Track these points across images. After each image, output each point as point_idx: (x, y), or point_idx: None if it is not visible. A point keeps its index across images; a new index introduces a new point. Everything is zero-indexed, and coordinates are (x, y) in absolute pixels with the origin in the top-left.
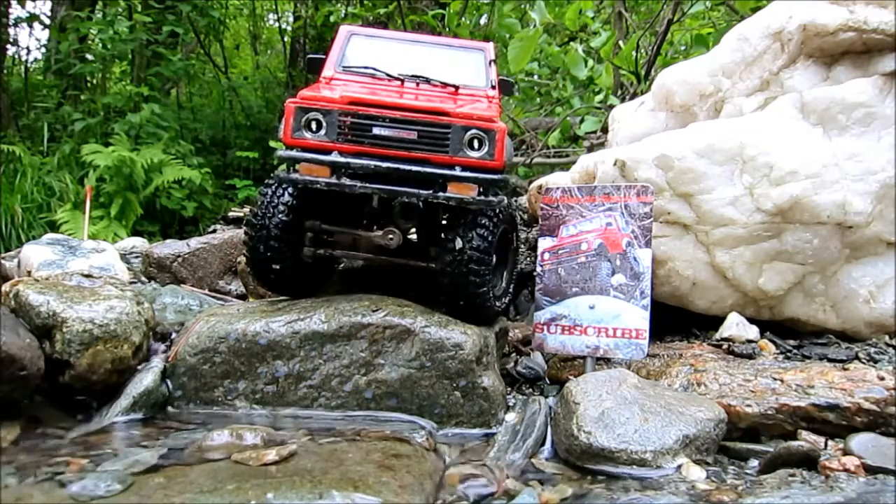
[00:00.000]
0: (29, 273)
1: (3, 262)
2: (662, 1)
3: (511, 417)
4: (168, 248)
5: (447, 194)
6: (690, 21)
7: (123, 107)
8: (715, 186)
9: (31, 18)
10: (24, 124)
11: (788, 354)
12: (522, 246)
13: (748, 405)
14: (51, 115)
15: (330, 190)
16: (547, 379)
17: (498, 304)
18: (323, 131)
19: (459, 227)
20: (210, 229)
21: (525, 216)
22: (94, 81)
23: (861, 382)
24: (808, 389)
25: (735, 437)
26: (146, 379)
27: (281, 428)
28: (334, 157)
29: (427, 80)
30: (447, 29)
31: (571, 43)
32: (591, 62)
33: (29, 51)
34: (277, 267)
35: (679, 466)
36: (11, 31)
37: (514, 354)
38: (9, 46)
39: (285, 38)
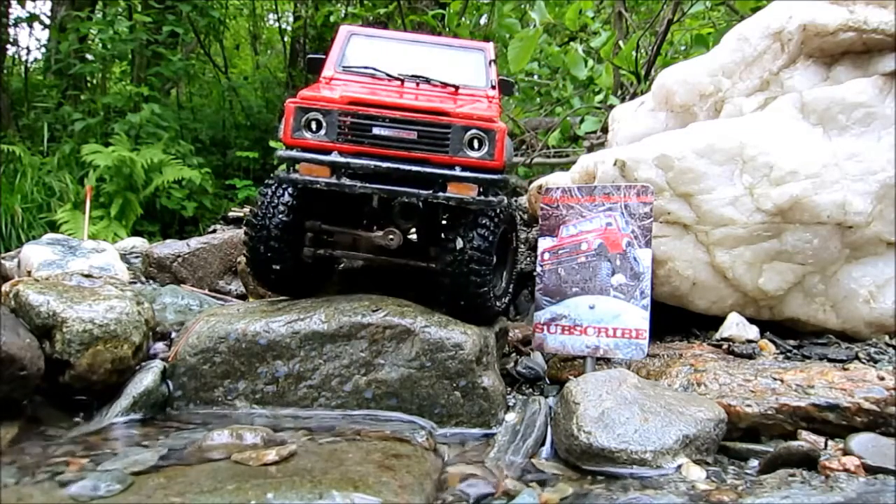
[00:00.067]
0: (29, 273)
1: (3, 262)
2: (662, 1)
3: (511, 417)
4: (168, 248)
5: (447, 194)
6: (690, 21)
7: (123, 107)
8: (715, 186)
9: (31, 18)
10: (24, 124)
11: (788, 354)
12: (522, 246)
13: (748, 405)
14: (51, 115)
15: (330, 190)
16: (547, 379)
17: (498, 304)
18: (323, 131)
19: (460, 227)
20: (210, 229)
21: (525, 216)
22: (94, 81)
23: (861, 382)
24: (808, 389)
25: (735, 437)
26: (146, 379)
27: (281, 428)
28: (334, 157)
29: (427, 80)
30: (447, 29)
31: (571, 43)
32: (591, 62)
33: (29, 51)
34: (277, 267)
35: (679, 466)
36: (11, 31)
37: (514, 354)
38: (9, 46)
39: (285, 38)
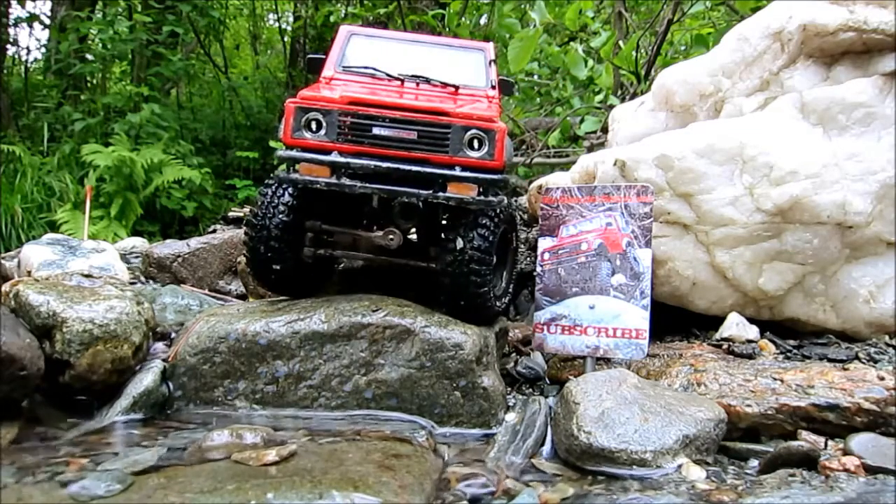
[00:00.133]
0: (29, 273)
1: (3, 262)
2: (662, 1)
3: (511, 417)
4: (168, 248)
5: (447, 194)
6: (690, 21)
7: (123, 107)
8: (715, 186)
9: (31, 18)
10: (24, 124)
11: (788, 354)
12: (522, 246)
13: (748, 405)
14: (51, 115)
15: (330, 190)
16: (547, 379)
17: (498, 304)
18: (323, 131)
19: (460, 226)
20: (210, 229)
21: (525, 216)
22: (94, 81)
23: (861, 382)
24: (808, 389)
25: (735, 437)
26: (146, 379)
27: (281, 428)
28: (334, 157)
29: (427, 80)
30: (447, 29)
31: (571, 43)
32: (591, 62)
33: (29, 51)
34: (278, 267)
35: (679, 466)
36: (11, 31)
37: (514, 354)
38: (9, 46)
39: (285, 38)
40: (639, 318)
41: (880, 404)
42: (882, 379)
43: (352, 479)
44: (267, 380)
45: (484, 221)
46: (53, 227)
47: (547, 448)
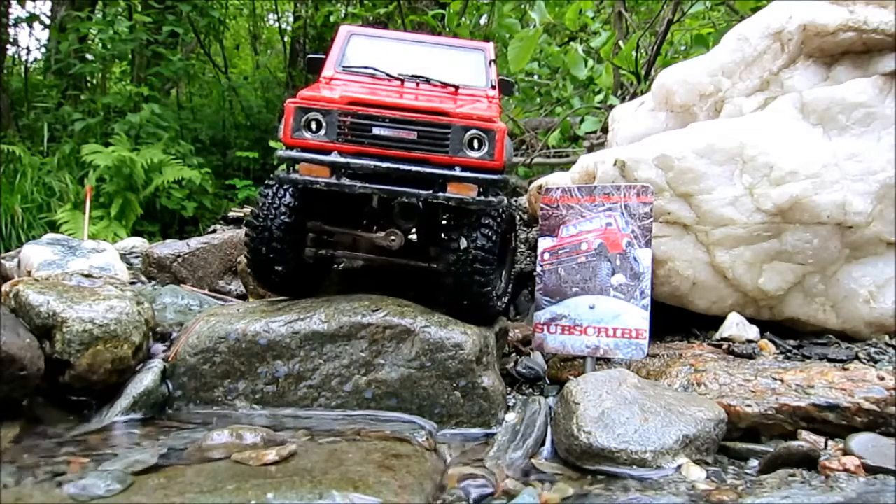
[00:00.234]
0: (29, 273)
1: (3, 262)
2: (662, 1)
3: (511, 417)
4: (168, 248)
5: (447, 194)
6: (690, 21)
7: (123, 107)
8: (715, 186)
9: (31, 18)
10: (24, 124)
11: (788, 354)
12: (522, 246)
13: (748, 405)
14: (51, 115)
15: (330, 190)
16: (547, 379)
17: (499, 303)
18: (323, 131)
19: (463, 226)
20: (210, 229)
21: (525, 216)
22: (94, 81)
23: (861, 382)
24: (808, 389)
25: (735, 437)
26: (146, 379)
27: (281, 428)
28: (334, 157)
29: (427, 81)
30: (447, 29)
31: (571, 43)
32: (591, 62)
33: (29, 51)
34: (279, 268)
35: (679, 466)
36: (11, 31)
37: (514, 354)
38: (9, 46)
39: (285, 38)
40: (639, 318)
41: (880, 404)
42: (882, 379)
43: (352, 479)
44: (267, 380)
45: (487, 221)
46: (53, 227)
47: (547, 448)
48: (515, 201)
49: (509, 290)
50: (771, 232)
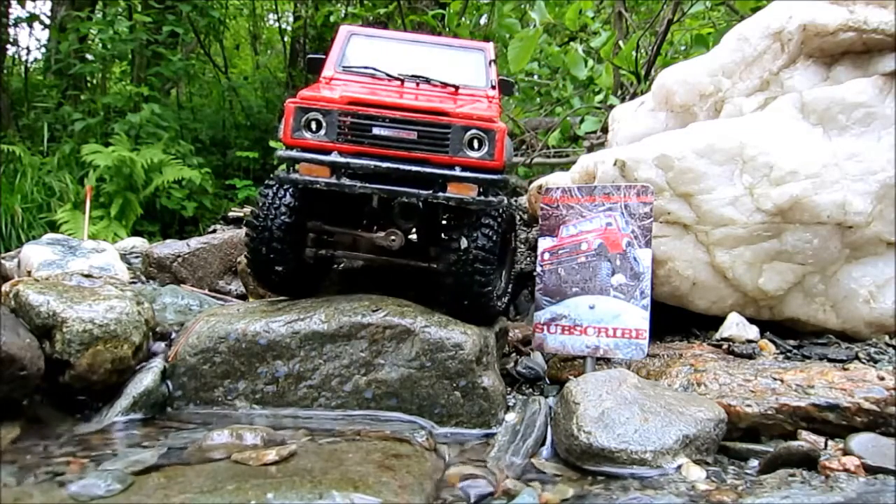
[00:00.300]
0: (29, 273)
1: (3, 262)
2: (662, 1)
3: (511, 417)
4: (168, 248)
5: (447, 194)
6: (690, 21)
7: (123, 107)
8: (715, 186)
9: (31, 18)
10: (24, 124)
11: (788, 354)
12: (522, 246)
13: (748, 405)
14: (51, 115)
15: (330, 190)
16: (547, 379)
17: (499, 303)
18: (323, 131)
19: (464, 226)
20: (210, 229)
21: (525, 216)
22: (94, 81)
23: (861, 382)
24: (808, 389)
25: (735, 437)
26: (146, 379)
27: (281, 428)
28: (334, 157)
29: (427, 81)
30: (447, 29)
31: (571, 43)
32: (591, 62)
33: (29, 51)
34: (280, 268)
35: (679, 466)
36: (11, 31)
37: (514, 354)
38: (9, 46)
39: (285, 38)
40: (639, 318)
41: (880, 404)
42: (882, 379)
43: (352, 479)
44: (267, 380)
45: (487, 221)
46: (53, 227)
47: (547, 448)
48: (515, 201)
49: (509, 290)
50: (771, 232)
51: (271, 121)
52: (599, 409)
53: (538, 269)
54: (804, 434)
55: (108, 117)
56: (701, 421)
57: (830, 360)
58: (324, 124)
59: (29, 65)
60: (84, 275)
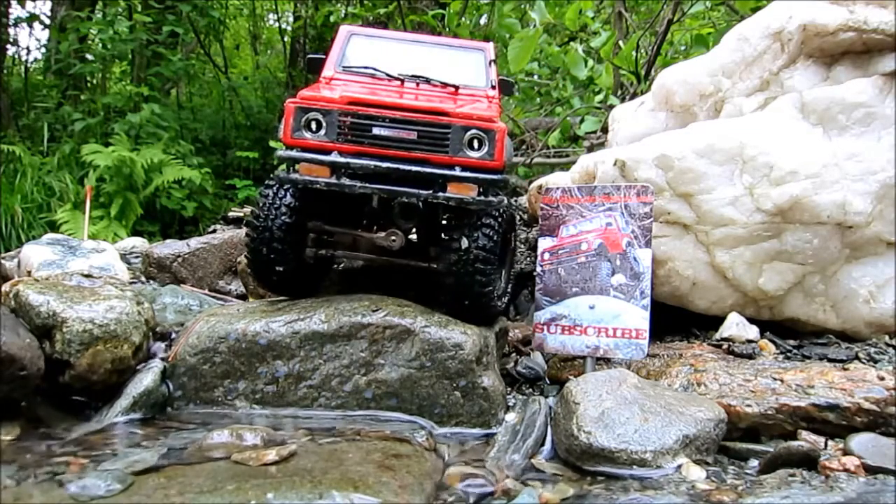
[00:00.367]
0: (29, 273)
1: (3, 262)
2: (662, 1)
3: (511, 417)
4: (168, 248)
5: (447, 194)
6: (690, 21)
7: (123, 107)
8: (715, 186)
9: (31, 18)
10: (24, 124)
11: (788, 354)
12: (522, 246)
13: (748, 405)
14: (51, 115)
15: (330, 190)
16: (547, 379)
17: (499, 303)
18: (323, 131)
19: (464, 226)
20: (210, 229)
21: (525, 216)
22: (94, 81)
23: (861, 382)
24: (808, 389)
25: (735, 437)
26: (146, 379)
27: (281, 428)
28: (334, 157)
29: (427, 81)
30: (447, 29)
31: (571, 43)
32: (591, 62)
33: (29, 51)
34: (280, 269)
35: (679, 466)
36: (11, 31)
37: (514, 354)
38: (9, 46)
39: (285, 38)
40: (639, 318)
41: (880, 404)
42: (882, 379)
43: (352, 479)
44: (267, 380)
45: (488, 221)
46: (53, 227)
47: (547, 448)
48: (515, 201)
49: (509, 290)
50: (771, 232)
51: (271, 121)
52: (599, 409)
53: (538, 269)
54: (804, 434)
55: (108, 117)
56: (701, 421)
57: (830, 360)
58: (324, 124)
59: (29, 65)
60: (84, 275)
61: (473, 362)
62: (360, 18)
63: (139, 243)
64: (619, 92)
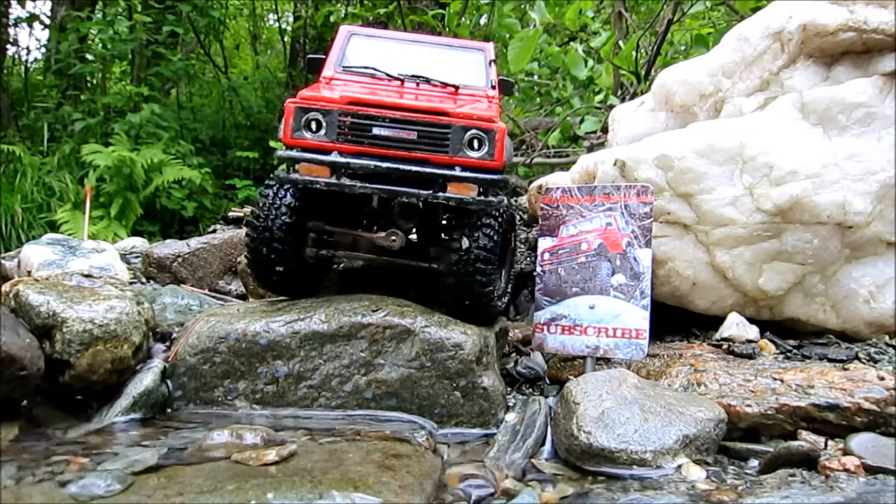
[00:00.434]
0: (29, 273)
1: (3, 262)
2: (662, 1)
3: (511, 417)
4: (168, 248)
5: (447, 194)
6: (690, 21)
7: (123, 107)
8: (715, 186)
9: (31, 18)
10: (24, 124)
11: (788, 354)
12: (522, 246)
13: (748, 405)
14: (51, 115)
15: (330, 190)
16: (547, 379)
17: (500, 303)
18: (323, 131)
19: (465, 226)
20: (210, 229)
21: (525, 216)
22: (94, 81)
23: (861, 382)
24: (808, 389)
25: (735, 437)
26: (146, 379)
27: (281, 428)
28: (334, 157)
29: (427, 81)
30: (447, 29)
31: (571, 43)
32: (591, 62)
33: (29, 51)
34: (280, 269)
35: (679, 466)
36: (11, 31)
37: (514, 354)
38: (9, 46)
39: (285, 38)
40: (639, 318)
41: (880, 404)
42: (882, 379)
43: (352, 479)
44: (267, 380)
45: (489, 221)
46: (53, 227)
47: (547, 448)
48: (515, 201)
49: (509, 290)
50: (771, 232)
51: (271, 121)
52: (599, 409)
53: (538, 269)
54: (804, 434)
55: (108, 117)
56: (701, 421)
57: (830, 360)
58: (324, 124)
59: (29, 65)
60: (84, 275)
61: (473, 362)
62: (360, 18)
63: (139, 243)
64: (619, 92)
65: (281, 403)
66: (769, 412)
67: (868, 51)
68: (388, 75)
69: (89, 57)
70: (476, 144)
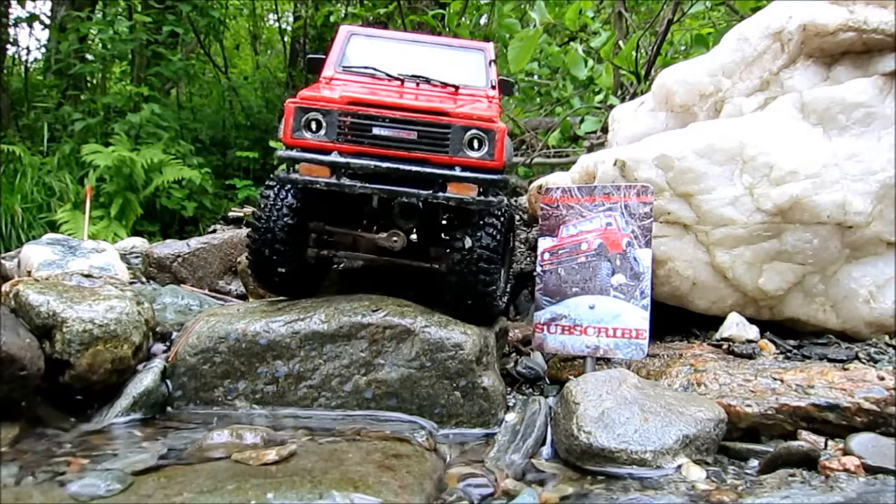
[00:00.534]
0: (29, 273)
1: (3, 262)
2: (662, 1)
3: (511, 417)
4: (168, 248)
5: (447, 194)
6: (690, 21)
7: (123, 107)
8: (715, 186)
9: (31, 18)
10: (24, 124)
11: (788, 354)
12: (522, 246)
13: (748, 405)
14: (51, 115)
15: (330, 190)
16: (547, 379)
17: (500, 303)
18: (323, 131)
19: (467, 226)
20: (210, 229)
21: (525, 216)
22: (94, 81)
23: (861, 382)
24: (808, 389)
25: (735, 437)
26: (146, 379)
27: (281, 428)
28: (334, 157)
29: (427, 81)
30: (447, 29)
31: (571, 43)
32: (591, 62)
33: (29, 51)
34: (282, 269)
35: (679, 466)
36: (11, 31)
37: (514, 354)
38: (9, 46)
39: (285, 38)
40: (639, 318)
41: (880, 404)
42: (882, 379)
43: (352, 479)
44: (267, 380)
45: (491, 221)
46: (53, 227)
47: (547, 448)
48: (515, 201)
49: (508, 289)
50: (771, 232)
51: (271, 121)
52: (599, 409)
53: (538, 269)
54: (804, 434)
55: (108, 117)
56: (701, 421)
57: (830, 360)
58: (324, 124)
59: (29, 65)
60: (84, 275)
61: (473, 362)
62: (360, 18)
63: (139, 243)
64: (619, 92)
65: (281, 403)
66: (769, 412)
67: (868, 51)
68: (388, 75)
69: (89, 57)
70: (476, 144)
